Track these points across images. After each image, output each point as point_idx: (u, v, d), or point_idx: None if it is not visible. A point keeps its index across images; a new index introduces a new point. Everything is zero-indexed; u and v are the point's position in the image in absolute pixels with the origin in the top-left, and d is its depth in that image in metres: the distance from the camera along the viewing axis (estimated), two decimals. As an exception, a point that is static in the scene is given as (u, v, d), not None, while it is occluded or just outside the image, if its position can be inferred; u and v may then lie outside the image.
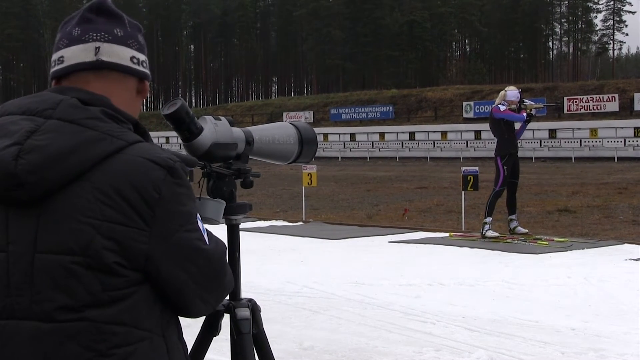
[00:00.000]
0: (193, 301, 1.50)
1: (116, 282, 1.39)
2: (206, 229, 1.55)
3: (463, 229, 11.19)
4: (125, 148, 1.42)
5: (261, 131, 2.27)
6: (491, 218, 10.22)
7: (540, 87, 53.92)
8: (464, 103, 52.35)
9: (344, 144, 52.62)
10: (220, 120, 2.16)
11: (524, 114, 10.50)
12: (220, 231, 1.82)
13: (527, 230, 10.41)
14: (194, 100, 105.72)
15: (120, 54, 1.54)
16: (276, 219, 13.15)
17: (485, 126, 47.62)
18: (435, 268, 8.09)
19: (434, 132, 49.24)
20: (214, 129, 2.11)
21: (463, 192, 11.40)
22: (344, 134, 53.58)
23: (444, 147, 47.42)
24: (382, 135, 51.50)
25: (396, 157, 47.16)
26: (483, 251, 9.25)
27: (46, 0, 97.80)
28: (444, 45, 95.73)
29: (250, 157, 2.23)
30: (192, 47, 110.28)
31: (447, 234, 10.72)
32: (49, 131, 1.38)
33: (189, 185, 1.49)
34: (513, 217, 10.46)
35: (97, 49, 1.52)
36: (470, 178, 11.10)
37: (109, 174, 1.38)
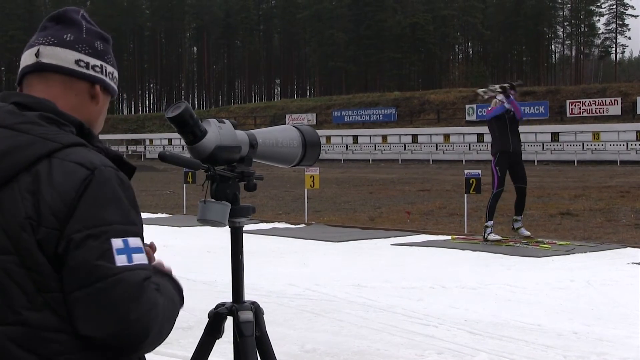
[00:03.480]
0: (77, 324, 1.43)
1: (48, 284, 1.40)
2: (136, 248, 1.47)
3: (465, 232, 11.18)
4: (59, 151, 1.44)
5: (265, 134, 2.27)
6: (492, 221, 10.21)
7: (543, 91, 53.89)
8: (467, 106, 52.33)
9: (347, 146, 52.62)
10: (224, 123, 2.16)
11: (503, 102, 10.64)
12: (224, 234, 1.83)
13: (529, 234, 10.39)
14: (196, 102, 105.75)
15: (62, 56, 1.55)
16: (278, 221, 13.15)
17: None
18: (438, 271, 8.08)
19: (437, 134, 49.22)
20: (218, 132, 2.11)
21: (465, 195, 11.39)
22: (347, 136, 53.58)
23: (446, 149, 47.40)
24: (384, 137, 51.48)
25: (399, 160, 47.15)
26: (485, 254, 9.24)
27: (50, 2, 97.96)
28: (446, 48, 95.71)
29: (253, 160, 2.23)
30: (195, 49, 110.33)
31: (449, 237, 10.71)
32: None
33: (116, 193, 1.46)
34: (518, 217, 10.43)
35: (38, 51, 1.55)
36: (472, 181, 11.10)
37: (36, 176, 1.42)
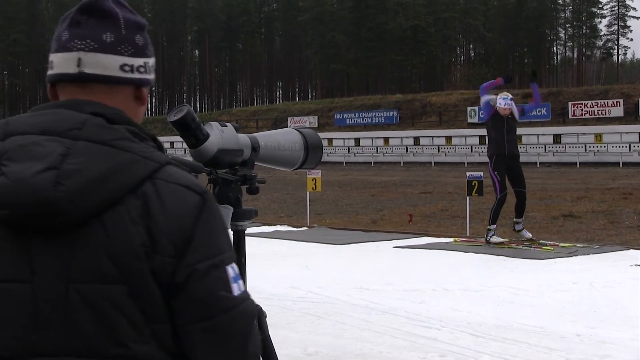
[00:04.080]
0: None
1: (157, 314, 1.29)
2: (238, 274, 1.39)
3: (468, 234, 11.18)
4: (158, 171, 1.33)
5: (267, 137, 2.27)
6: (495, 225, 10.21)
7: (545, 92, 53.85)
8: (469, 108, 52.33)
9: (348, 148, 52.63)
10: (226, 126, 2.16)
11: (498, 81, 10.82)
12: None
13: (531, 235, 10.38)
14: (198, 105, 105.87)
15: (105, 63, 1.40)
16: (280, 224, 13.16)
17: (490, 131, 47.46)
18: (440, 273, 8.08)
19: (439, 137, 49.22)
20: (220, 135, 2.11)
21: (467, 197, 11.38)
22: (348, 138, 53.60)
23: (448, 152, 47.40)
24: (386, 140, 51.48)
25: (400, 162, 47.14)
26: (488, 257, 9.24)
27: (52, 5, 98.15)
28: (448, 50, 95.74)
29: (255, 163, 2.23)
30: (196, 52, 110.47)
31: (451, 239, 10.70)
32: (81, 154, 1.27)
33: (221, 217, 1.39)
34: (519, 220, 10.41)
35: (79, 60, 1.39)
36: (474, 183, 11.10)
37: (144, 199, 1.30)
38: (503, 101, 10.35)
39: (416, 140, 50.02)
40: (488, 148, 10.61)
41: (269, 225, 12.91)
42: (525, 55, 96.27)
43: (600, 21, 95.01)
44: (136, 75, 1.44)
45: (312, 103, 71.36)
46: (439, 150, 47.89)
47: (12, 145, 1.29)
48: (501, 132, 10.36)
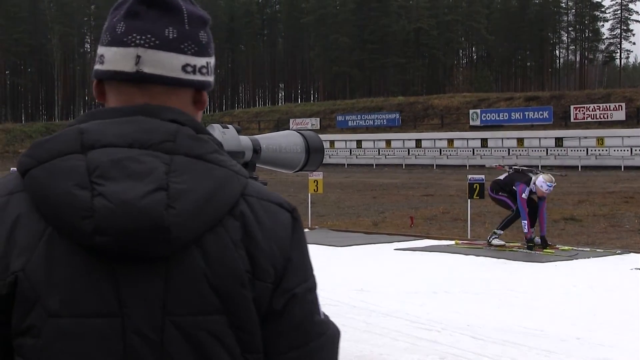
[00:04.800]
0: None
1: (254, 344, 1.18)
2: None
3: (469, 237, 11.19)
4: (246, 186, 1.20)
5: (268, 139, 2.28)
6: (502, 232, 10.21)
7: (547, 96, 53.88)
8: (471, 111, 52.34)
9: (350, 150, 52.65)
10: (227, 128, 2.17)
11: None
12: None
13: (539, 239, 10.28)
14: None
15: (166, 63, 1.22)
16: (282, 226, 13.17)
17: (492, 134, 47.53)
18: (441, 276, 8.09)
19: (441, 139, 49.22)
20: (222, 137, 2.12)
21: (469, 200, 11.40)
22: (351, 140, 53.63)
23: (450, 154, 47.40)
24: (388, 142, 51.50)
25: (402, 165, 47.16)
26: (488, 259, 9.25)
27: (54, 5, 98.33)
28: (450, 53, 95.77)
29: (257, 165, 2.25)
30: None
31: (453, 242, 10.72)
32: (184, 171, 1.14)
33: (305, 235, 1.29)
34: (500, 233, 10.38)
35: (138, 57, 1.21)
36: (476, 186, 11.11)
37: (243, 219, 1.17)
38: (547, 186, 10.19)
39: (418, 142, 50.02)
40: (502, 188, 10.44)
41: (270, 226, 12.92)
42: (527, 58, 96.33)
43: (603, 25, 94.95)
44: (198, 77, 1.27)
45: (315, 105, 71.42)
46: (440, 153, 47.90)
47: (101, 160, 1.13)
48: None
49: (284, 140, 2.33)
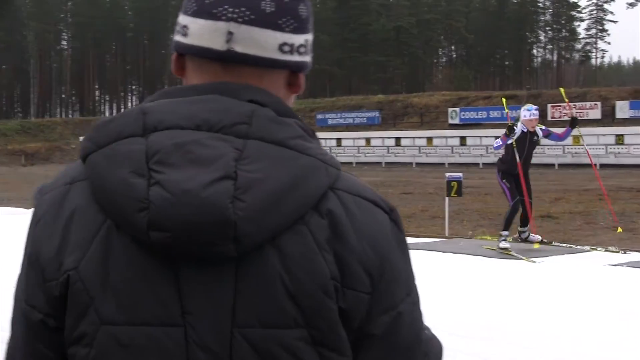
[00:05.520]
0: None
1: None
2: None
3: (447, 235, 11.33)
4: (337, 179, 1.01)
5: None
6: (508, 232, 9.95)
7: (525, 95, 54.29)
8: (450, 109, 52.61)
9: (330, 149, 52.62)
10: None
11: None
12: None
13: (540, 238, 10.25)
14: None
15: (262, 41, 1.04)
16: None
17: (471, 132, 47.73)
18: (422, 275, 8.21)
19: (420, 137, 49.43)
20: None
21: (447, 198, 11.53)
22: (330, 139, 53.65)
23: (429, 153, 47.62)
24: (368, 140, 51.56)
25: (382, 163, 47.29)
26: (465, 257, 9.38)
27: (30, 2, 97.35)
28: (430, 51, 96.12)
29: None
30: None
31: (431, 240, 10.81)
32: (258, 158, 0.96)
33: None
34: (524, 229, 10.20)
35: (230, 34, 1.03)
36: (454, 184, 11.25)
37: (331, 217, 0.98)
38: (528, 112, 9.82)
39: (397, 141, 50.16)
40: (500, 161, 10.20)
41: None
42: (506, 57, 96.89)
43: (579, 24, 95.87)
44: (295, 58, 1.08)
45: (295, 103, 70.53)
46: (420, 151, 48.10)
47: (163, 143, 0.97)
48: (522, 152, 9.87)
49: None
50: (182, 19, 1.08)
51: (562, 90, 12.68)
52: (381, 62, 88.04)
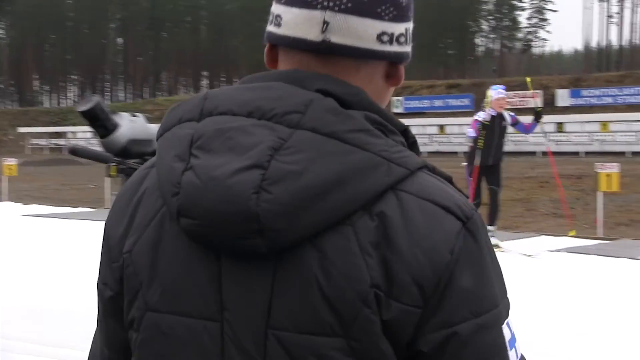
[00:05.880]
0: None
1: None
2: (514, 333, 0.97)
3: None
4: (405, 180, 0.92)
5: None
6: (494, 227, 9.42)
7: (468, 83, 55.01)
8: (394, 98, 53.00)
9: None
10: (137, 117, 2.19)
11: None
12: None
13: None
14: (121, 95, 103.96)
15: (360, 31, 0.98)
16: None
17: (414, 121, 48.24)
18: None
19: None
20: (130, 125, 2.14)
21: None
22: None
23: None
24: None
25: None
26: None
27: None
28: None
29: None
30: (120, 40, 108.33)
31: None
32: (301, 149, 0.90)
33: (493, 252, 0.97)
34: (491, 228, 9.35)
35: (326, 24, 0.97)
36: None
37: (382, 220, 0.90)
38: (494, 91, 9.23)
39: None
40: (469, 155, 9.47)
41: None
42: (449, 46, 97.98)
43: (521, 14, 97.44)
44: (395, 48, 1.02)
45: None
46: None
47: (208, 129, 0.94)
48: (491, 141, 9.21)
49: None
50: (275, 7, 1.03)
51: (527, 79, 12.58)
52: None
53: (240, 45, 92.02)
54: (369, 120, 0.94)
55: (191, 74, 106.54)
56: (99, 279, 1.05)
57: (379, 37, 1.00)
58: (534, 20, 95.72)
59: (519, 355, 0.95)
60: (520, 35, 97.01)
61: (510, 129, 9.63)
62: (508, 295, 0.97)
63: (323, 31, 0.98)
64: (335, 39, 0.98)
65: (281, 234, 0.88)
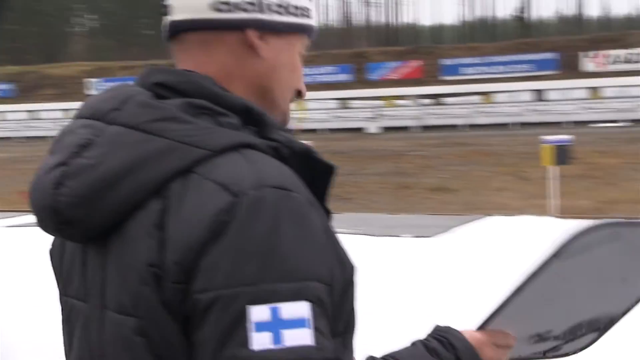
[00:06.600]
0: None
1: (174, 358, 0.91)
2: (294, 320, 0.87)
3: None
4: (206, 161, 0.92)
5: None
6: None
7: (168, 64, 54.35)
8: (90, 80, 51.07)
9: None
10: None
11: None
12: None
13: None
14: None
15: (192, 3, 1.01)
16: None
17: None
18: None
19: (58, 110, 46.73)
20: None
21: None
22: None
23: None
24: (2, 114, 48.15)
25: (20, 137, 43.99)
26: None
27: None
28: (66, 20, 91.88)
29: None
30: None
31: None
32: (103, 144, 0.95)
33: (276, 230, 0.88)
34: None
35: (170, 6, 1.05)
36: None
37: (164, 202, 0.92)
38: None
39: (35, 113, 47.32)
40: None
41: None
42: (148, 26, 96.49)
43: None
44: (237, 15, 1.01)
45: None
46: (55, 124, 45.53)
47: (61, 131, 1.02)
48: None
49: None
50: None
51: None
52: (13, 30, 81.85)
53: None
54: (191, 106, 0.96)
55: None
56: None
57: (214, 6, 1.01)
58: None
59: (285, 344, 0.86)
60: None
61: None
62: (313, 281, 0.90)
63: (169, 14, 1.04)
64: (176, 16, 1.03)
65: (85, 224, 0.95)
